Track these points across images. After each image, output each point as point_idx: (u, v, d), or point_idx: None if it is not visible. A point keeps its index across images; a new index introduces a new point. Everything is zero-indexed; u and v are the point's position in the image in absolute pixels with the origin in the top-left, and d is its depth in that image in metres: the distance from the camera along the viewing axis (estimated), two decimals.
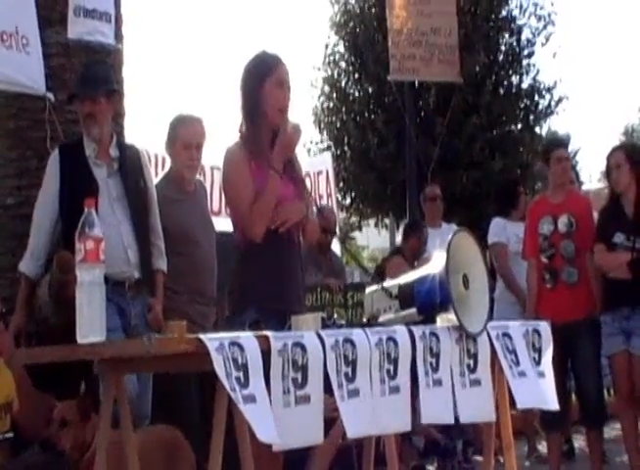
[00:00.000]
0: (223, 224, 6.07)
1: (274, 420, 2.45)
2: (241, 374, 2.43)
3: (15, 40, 4.94)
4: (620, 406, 5.51)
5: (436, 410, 2.99)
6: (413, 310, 3.18)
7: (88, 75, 4.59)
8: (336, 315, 3.87)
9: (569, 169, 5.99)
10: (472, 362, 3.14)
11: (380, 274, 7.14)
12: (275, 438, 2.42)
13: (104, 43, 5.38)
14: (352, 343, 2.73)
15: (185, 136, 4.89)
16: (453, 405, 3.06)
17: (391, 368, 2.83)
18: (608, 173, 5.54)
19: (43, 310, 4.26)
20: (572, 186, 6.58)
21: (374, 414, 2.75)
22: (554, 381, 3.50)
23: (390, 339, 2.85)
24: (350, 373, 2.71)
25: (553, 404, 3.46)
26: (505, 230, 6.74)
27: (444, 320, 3.14)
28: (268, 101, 3.64)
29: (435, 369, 2.99)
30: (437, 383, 2.99)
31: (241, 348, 2.45)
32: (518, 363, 3.31)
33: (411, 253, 7.22)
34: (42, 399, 4.17)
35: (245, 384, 2.43)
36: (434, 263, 3.15)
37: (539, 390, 3.43)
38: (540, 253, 5.62)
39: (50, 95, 5.04)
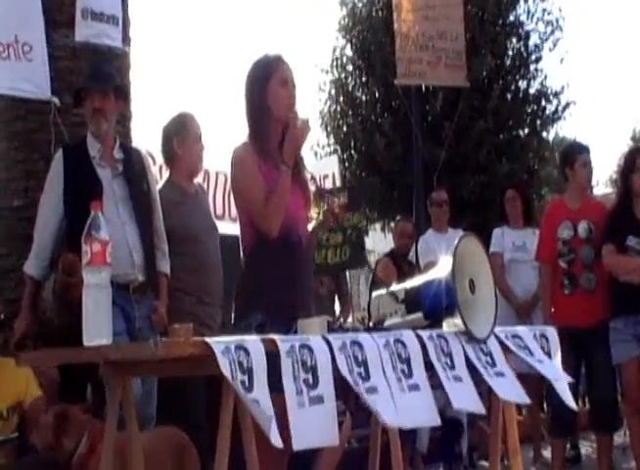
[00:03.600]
0: (227, 228, 6.10)
1: (290, 421, 2.44)
2: (246, 378, 2.42)
3: (14, 49, 4.98)
4: (629, 413, 5.45)
5: (465, 399, 2.95)
6: (419, 315, 3.17)
7: (98, 71, 4.60)
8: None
9: (591, 175, 5.92)
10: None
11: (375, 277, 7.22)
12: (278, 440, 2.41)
13: (111, 46, 5.38)
14: (360, 345, 2.72)
15: (196, 131, 5.01)
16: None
17: (405, 368, 2.81)
18: (626, 174, 5.41)
19: (48, 312, 4.25)
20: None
21: (398, 410, 2.72)
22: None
23: (398, 341, 2.84)
24: (364, 372, 2.68)
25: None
26: (502, 239, 6.80)
27: (451, 325, 3.12)
28: (274, 100, 3.63)
29: (452, 367, 2.96)
30: (458, 379, 2.95)
31: (246, 352, 2.44)
32: (532, 355, 3.27)
33: (400, 252, 7.23)
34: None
35: (249, 388, 2.42)
36: (441, 268, 3.14)
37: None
38: (559, 257, 5.56)
39: (55, 99, 5.04)
